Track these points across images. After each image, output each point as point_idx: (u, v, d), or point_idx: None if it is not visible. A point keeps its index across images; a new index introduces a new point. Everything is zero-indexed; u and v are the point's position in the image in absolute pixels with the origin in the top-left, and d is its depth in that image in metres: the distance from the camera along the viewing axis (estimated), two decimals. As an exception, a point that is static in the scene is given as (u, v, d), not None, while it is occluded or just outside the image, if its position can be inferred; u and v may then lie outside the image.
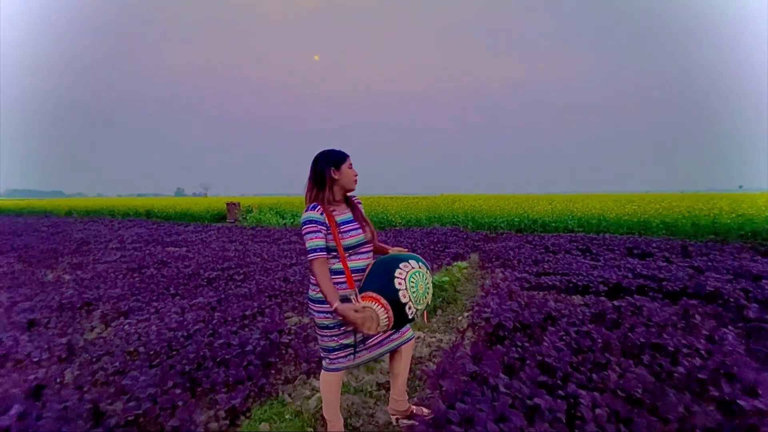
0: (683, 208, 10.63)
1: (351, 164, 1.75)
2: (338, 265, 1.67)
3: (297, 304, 3.95)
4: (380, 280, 1.61)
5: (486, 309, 2.99)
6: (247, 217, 15.48)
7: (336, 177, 1.72)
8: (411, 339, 1.87)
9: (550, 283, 4.31)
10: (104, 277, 5.06)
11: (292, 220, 14.68)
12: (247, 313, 3.38)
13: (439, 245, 7.41)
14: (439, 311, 3.89)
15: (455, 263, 5.89)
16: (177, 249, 7.89)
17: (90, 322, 3.49)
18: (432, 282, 1.74)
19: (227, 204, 16.86)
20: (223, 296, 4.03)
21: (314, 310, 1.70)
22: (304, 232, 1.64)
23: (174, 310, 3.58)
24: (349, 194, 1.81)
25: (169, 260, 6.15)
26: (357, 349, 1.69)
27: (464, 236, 8.83)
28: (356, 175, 1.76)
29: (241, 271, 5.24)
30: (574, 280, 4.33)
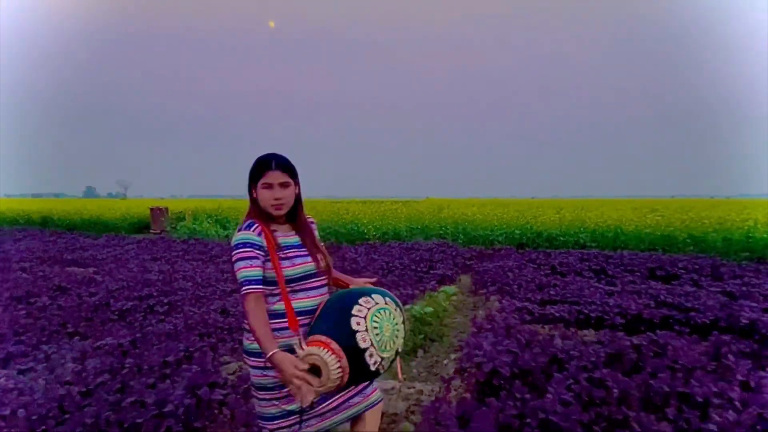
0: (713, 219, 11.13)
1: (269, 184, 1.61)
2: (278, 305, 1.59)
3: (237, 345, 3.83)
4: (332, 319, 1.53)
5: (477, 351, 2.98)
6: (178, 227, 15.06)
7: (254, 196, 1.66)
8: (378, 402, 1.81)
9: (557, 314, 4.37)
10: (-23, 309, 4.75)
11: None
12: (170, 358, 3.23)
13: (422, 264, 7.43)
14: (421, 352, 3.87)
15: (442, 288, 5.91)
16: (81, 270, 7.55)
17: (-48, 374, 3.25)
18: (405, 322, 1.68)
19: (151, 210, 16.36)
20: (139, 335, 3.86)
21: (249, 365, 1.62)
22: (235, 257, 1.55)
23: (71, 355, 3.39)
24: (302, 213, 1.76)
25: (70, 285, 5.87)
26: (303, 417, 1.61)
27: (453, 253, 8.89)
28: (277, 200, 1.62)
29: (166, 301, 5.05)
30: (586, 311, 4.41)
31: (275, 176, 1.61)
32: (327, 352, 1.43)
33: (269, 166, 1.61)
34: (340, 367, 1.44)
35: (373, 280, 1.87)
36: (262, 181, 1.62)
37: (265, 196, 1.62)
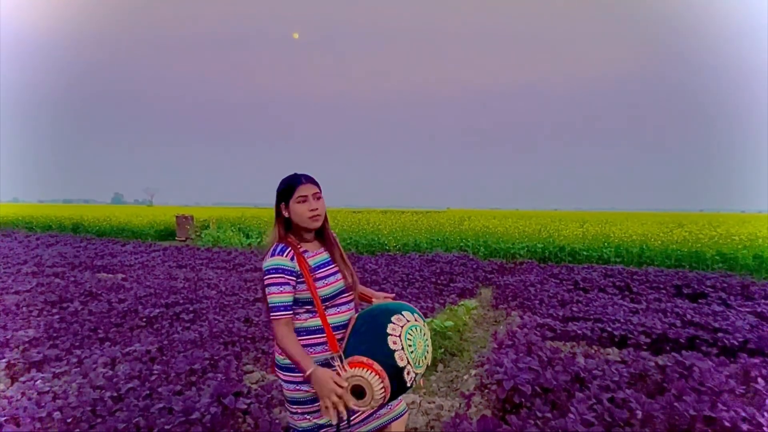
0: (744, 234, 10.81)
1: (304, 197, 1.65)
2: (315, 321, 1.64)
3: (260, 354, 3.90)
4: (369, 339, 1.57)
5: (498, 368, 2.98)
6: (203, 235, 15.38)
7: (285, 214, 1.69)
8: (403, 414, 1.85)
9: (579, 331, 4.32)
10: (14, 313, 4.96)
11: (258, 240, 14.63)
12: (196, 366, 3.32)
13: (442, 277, 7.42)
14: (441, 366, 3.87)
15: (462, 302, 5.88)
16: (110, 276, 7.80)
17: (-9, 376, 3.40)
18: (431, 336, 1.73)
19: (177, 217, 16.77)
20: (166, 342, 3.97)
21: (282, 380, 1.67)
22: (267, 282, 1.59)
23: (102, 360, 3.51)
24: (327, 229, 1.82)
25: (100, 291, 6.07)
26: (338, 430, 1.66)
27: (474, 266, 8.85)
28: (313, 210, 1.65)
29: (191, 308, 5.18)
30: (609, 329, 4.35)
31: (308, 188, 1.67)
32: (370, 373, 1.49)
33: (299, 180, 1.67)
34: (383, 387, 1.50)
35: (392, 296, 1.91)
36: (296, 195, 1.65)
37: (301, 210, 1.64)
